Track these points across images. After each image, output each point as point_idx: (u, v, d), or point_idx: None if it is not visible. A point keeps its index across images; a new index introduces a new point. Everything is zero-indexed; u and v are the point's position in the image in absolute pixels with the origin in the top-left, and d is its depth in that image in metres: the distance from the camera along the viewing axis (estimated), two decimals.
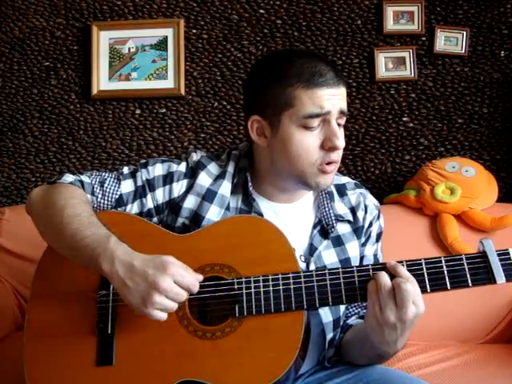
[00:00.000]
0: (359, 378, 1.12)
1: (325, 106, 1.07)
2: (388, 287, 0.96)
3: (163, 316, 0.95)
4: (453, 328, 1.72)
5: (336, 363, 1.18)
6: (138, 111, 2.18)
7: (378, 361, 1.13)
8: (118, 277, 0.95)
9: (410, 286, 0.95)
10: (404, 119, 2.13)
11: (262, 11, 2.16)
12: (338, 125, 1.10)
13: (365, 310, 1.19)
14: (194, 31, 2.17)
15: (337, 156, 1.10)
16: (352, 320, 1.20)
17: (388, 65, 2.12)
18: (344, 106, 1.11)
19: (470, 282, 0.98)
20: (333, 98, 1.08)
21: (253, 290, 1.02)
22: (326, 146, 1.08)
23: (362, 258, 1.22)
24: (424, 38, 2.12)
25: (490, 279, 0.98)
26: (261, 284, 1.02)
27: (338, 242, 1.19)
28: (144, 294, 0.93)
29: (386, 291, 0.96)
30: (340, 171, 2.09)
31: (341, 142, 1.09)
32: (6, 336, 1.71)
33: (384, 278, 0.97)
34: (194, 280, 0.97)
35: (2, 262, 1.84)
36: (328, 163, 1.10)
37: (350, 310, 1.22)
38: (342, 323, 1.19)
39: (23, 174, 2.18)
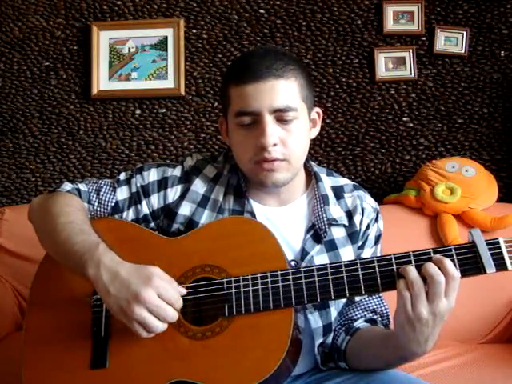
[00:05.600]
0: (359, 378, 1.11)
1: (251, 103, 1.07)
2: (420, 281, 0.94)
3: (140, 331, 0.94)
4: (453, 328, 1.72)
5: (333, 367, 1.17)
6: (138, 111, 2.18)
7: (399, 364, 1.08)
8: (102, 283, 0.95)
9: (443, 279, 0.93)
10: (404, 119, 2.13)
11: (261, 11, 2.16)
12: (284, 121, 1.08)
13: (371, 314, 1.19)
14: (194, 31, 2.17)
15: (276, 154, 1.08)
16: (359, 323, 1.17)
17: (388, 65, 2.12)
18: (279, 102, 1.06)
19: (459, 272, 0.96)
20: (260, 94, 1.06)
21: (242, 289, 1.02)
22: (256, 145, 1.08)
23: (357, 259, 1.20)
24: (424, 38, 2.12)
25: (480, 269, 0.96)
26: (249, 283, 1.02)
27: (332, 246, 1.17)
28: (124, 303, 0.93)
29: (419, 286, 0.94)
30: (340, 171, 2.09)
31: (268, 141, 1.06)
32: (5, 336, 1.71)
33: (414, 272, 0.95)
34: (177, 295, 0.97)
35: (2, 262, 1.85)
36: (263, 161, 1.08)
37: (356, 312, 1.19)
38: (345, 326, 1.18)
39: (23, 174, 2.18)
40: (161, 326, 0.95)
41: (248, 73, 1.07)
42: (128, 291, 0.93)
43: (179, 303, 0.97)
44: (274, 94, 1.06)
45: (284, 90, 1.07)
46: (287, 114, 1.08)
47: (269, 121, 1.07)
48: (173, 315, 0.95)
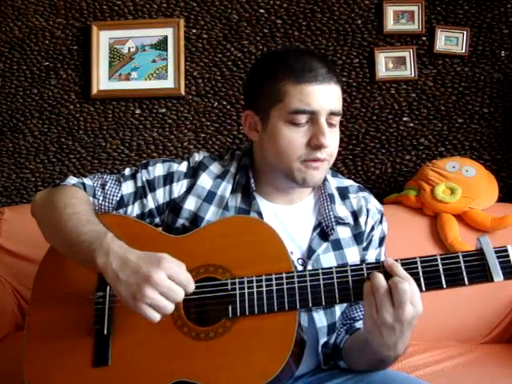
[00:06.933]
0: (360, 378, 1.11)
1: (312, 103, 1.07)
2: (384, 288, 0.94)
3: (153, 315, 0.92)
4: (453, 328, 1.72)
5: (334, 368, 1.17)
6: (137, 111, 2.17)
7: (380, 366, 1.10)
8: (111, 270, 0.94)
9: (408, 286, 0.93)
10: (404, 119, 2.13)
11: (261, 11, 2.16)
12: (330, 124, 1.10)
13: None
14: (194, 31, 2.17)
15: (324, 154, 1.09)
16: (360, 324, 1.17)
17: (388, 65, 2.11)
18: (335, 105, 1.10)
19: (466, 280, 0.96)
20: (322, 96, 1.07)
21: (246, 291, 1.01)
22: (312, 144, 1.08)
23: (362, 262, 1.20)
24: (424, 38, 2.12)
25: (487, 277, 0.96)
26: (254, 284, 1.01)
27: (337, 245, 1.17)
28: (135, 287, 0.92)
29: (382, 292, 0.94)
30: (340, 171, 2.09)
31: (327, 141, 1.08)
32: (5, 336, 1.71)
33: (379, 278, 0.95)
34: (188, 276, 0.95)
35: (2, 262, 1.85)
36: (313, 160, 1.09)
37: (359, 313, 1.19)
38: (347, 326, 1.18)
39: (23, 174, 2.18)
40: (171, 307, 0.93)
41: (311, 72, 1.07)
42: (138, 275, 0.92)
43: (191, 286, 0.96)
44: (332, 98, 1.09)
45: (339, 96, 1.12)
46: (336, 118, 1.11)
47: (324, 122, 1.08)
48: (182, 298, 0.94)
